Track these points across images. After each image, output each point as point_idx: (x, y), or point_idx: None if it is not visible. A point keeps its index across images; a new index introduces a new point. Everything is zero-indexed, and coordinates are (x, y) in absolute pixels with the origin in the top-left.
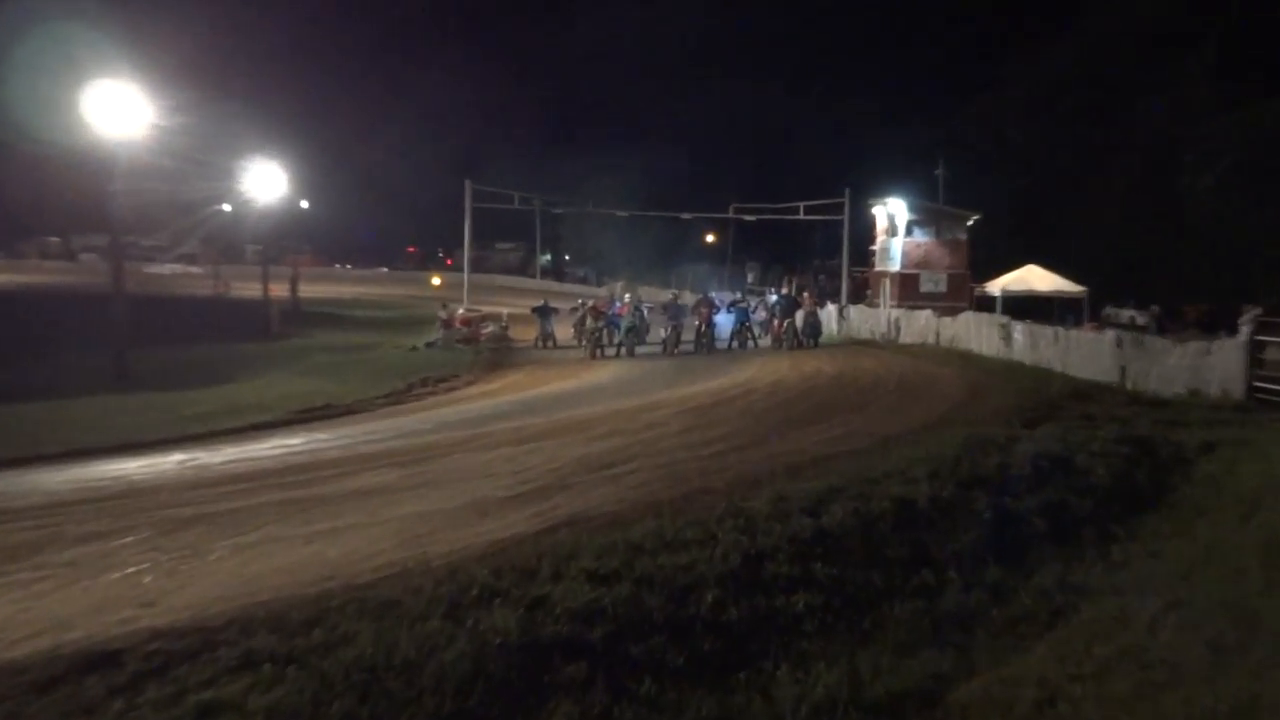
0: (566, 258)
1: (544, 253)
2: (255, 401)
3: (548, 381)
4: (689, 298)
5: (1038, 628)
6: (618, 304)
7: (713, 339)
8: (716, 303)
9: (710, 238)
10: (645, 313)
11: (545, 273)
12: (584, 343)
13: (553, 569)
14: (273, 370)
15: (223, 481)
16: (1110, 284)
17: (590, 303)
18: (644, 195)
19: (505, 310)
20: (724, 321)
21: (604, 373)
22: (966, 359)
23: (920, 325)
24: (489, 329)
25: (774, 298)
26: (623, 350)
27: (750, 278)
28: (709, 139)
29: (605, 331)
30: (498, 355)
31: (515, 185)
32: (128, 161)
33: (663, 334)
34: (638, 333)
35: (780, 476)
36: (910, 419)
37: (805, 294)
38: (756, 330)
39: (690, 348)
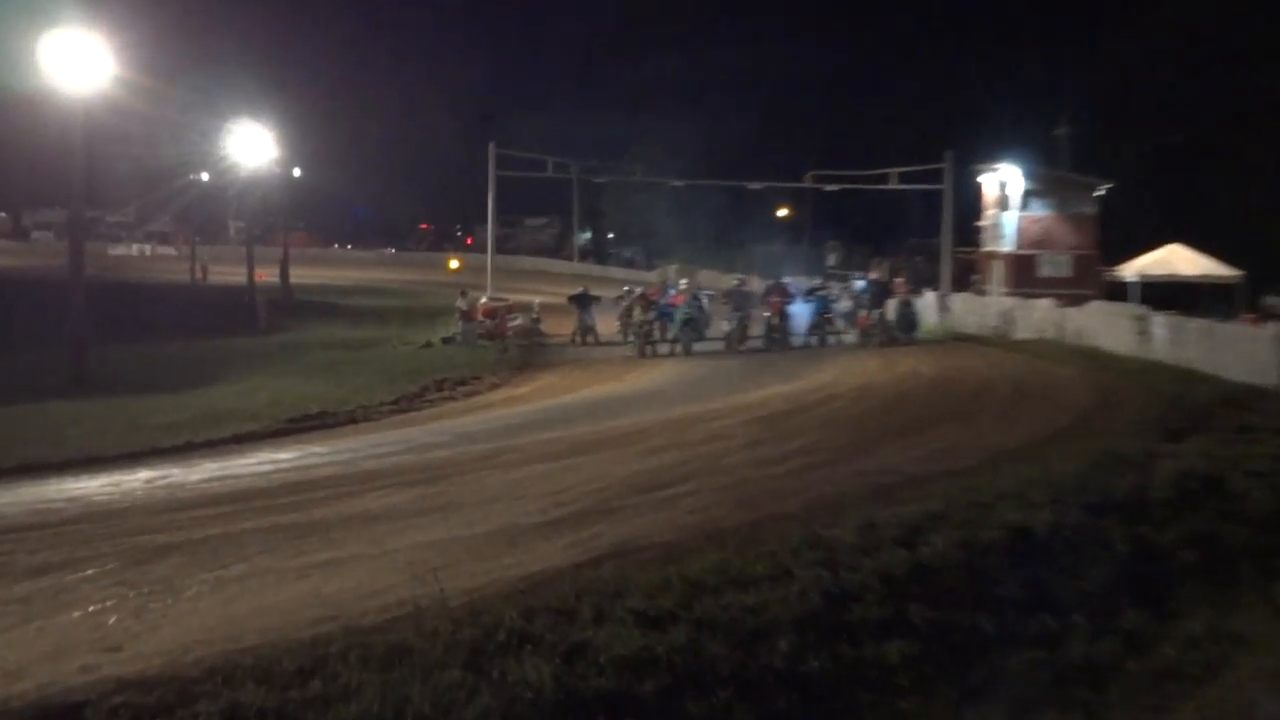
0: (610, 236)
1: (583, 230)
2: (238, 408)
3: (588, 384)
4: (757, 284)
5: (1185, 685)
6: (671, 292)
7: (786, 333)
8: (791, 290)
9: (783, 212)
10: (705, 302)
11: (584, 254)
12: (631, 338)
13: (595, 610)
14: (259, 371)
15: (200, 503)
16: (1271, 268)
17: (638, 290)
18: (702, 161)
19: (536, 299)
20: (800, 313)
21: (655, 374)
22: (1094, 358)
23: (1038, 317)
24: (517, 321)
25: (860, 284)
26: (678, 347)
27: (831, 260)
28: (780, 93)
29: (657, 325)
30: (527, 353)
31: (547, 149)
32: (91, 123)
33: (725, 328)
34: (696, 326)
35: (869, 500)
36: (1026, 431)
37: (898, 280)
38: (839, 323)
39: (759, 344)
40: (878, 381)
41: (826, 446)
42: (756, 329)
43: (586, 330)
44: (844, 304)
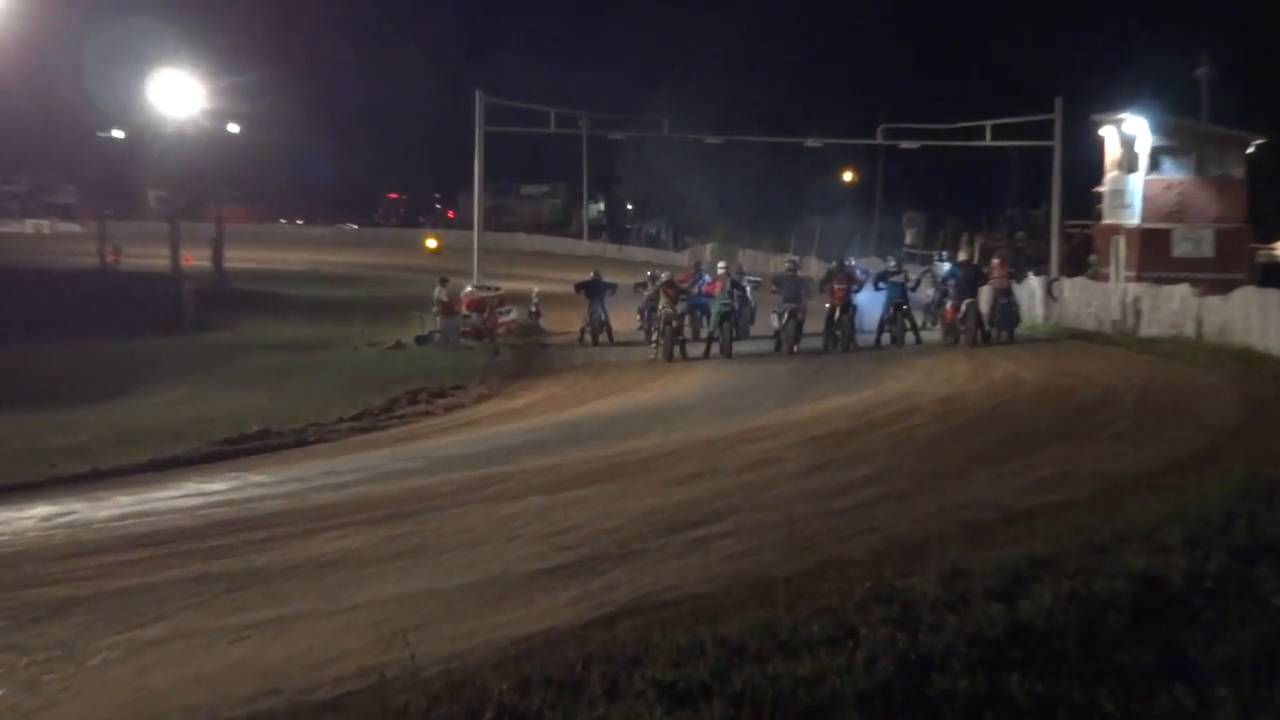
0: (628, 208)
1: (594, 200)
2: (159, 427)
3: (600, 395)
4: (815, 268)
5: None
6: (706, 278)
7: (852, 330)
8: (858, 275)
9: (847, 176)
10: (749, 290)
11: (596, 230)
12: (655, 337)
13: (607, 682)
14: (185, 379)
15: (110, 547)
16: None
17: (665, 276)
18: (743, 113)
19: (536, 287)
20: (869, 303)
21: (686, 382)
22: (1244, 360)
23: (1173, 308)
24: (511, 316)
25: (946, 267)
26: (714, 348)
27: (909, 238)
28: (843, 26)
29: (687, 320)
30: (525, 356)
31: (549, 98)
32: None
33: (775, 324)
34: (737, 321)
35: (955, 541)
36: (1156, 454)
37: (995, 261)
38: (919, 318)
39: (817, 344)
40: (967, 391)
41: (901, 474)
42: (814, 324)
43: (599, 326)
44: (925, 293)
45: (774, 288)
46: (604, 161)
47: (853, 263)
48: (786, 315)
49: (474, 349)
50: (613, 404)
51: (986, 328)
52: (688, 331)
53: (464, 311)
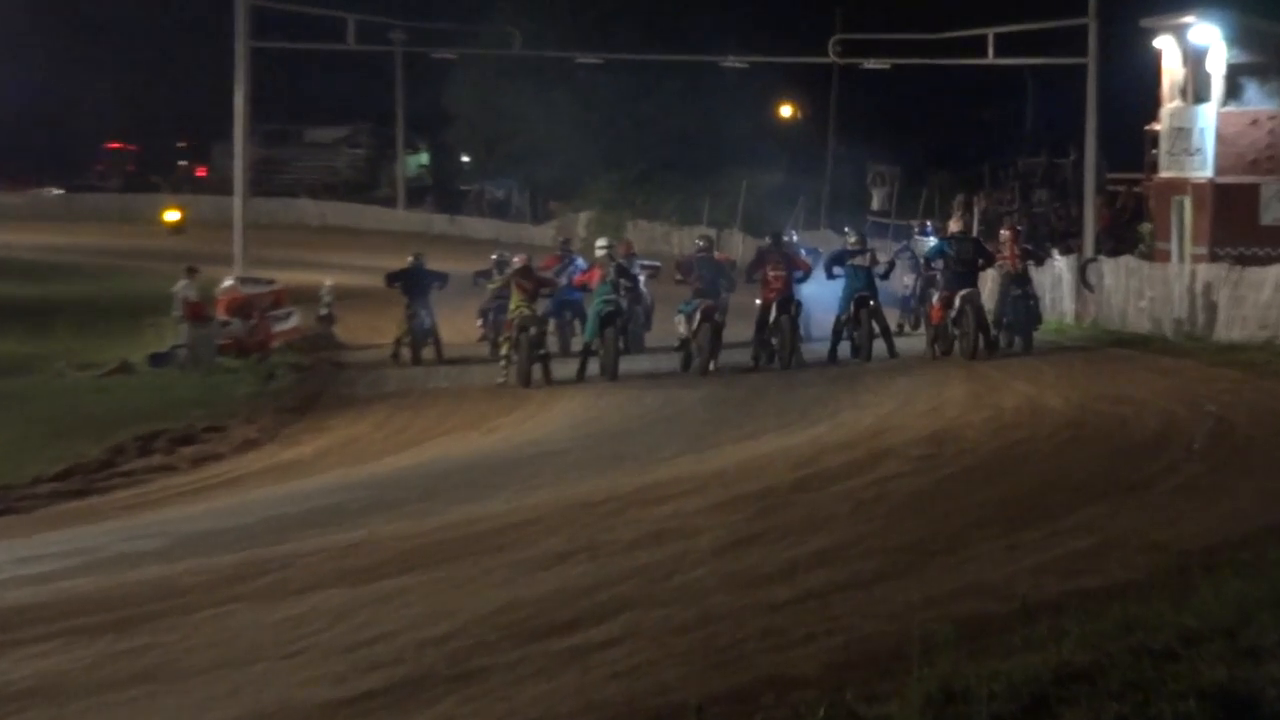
0: (464, 160)
1: (414, 150)
2: None
3: (425, 437)
4: (741, 247)
5: None
6: (579, 263)
7: (796, 337)
8: (803, 257)
9: (786, 111)
10: (642, 281)
11: (418, 194)
12: (505, 351)
13: None
14: None
15: None
16: None
17: (518, 261)
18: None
19: (328, 280)
20: (820, 298)
21: (551, 416)
22: None
23: (1262, 300)
24: (292, 323)
25: (931, 243)
26: (593, 365)
27: (877, 200)
28: None
29: (552, 325)
30: (313, 380)
31: (343, 2)
32: None
33: (681, 329)
34: (626, 326)
35: (948, 647)
36: (1239, 514)
37: (1004, 235)
38: (893, 318)
39: (745, 357)
40: (965, 426)
41: (868, 548)
42: (739, 329)
43: (422, 337)
44: (902, 281)
45: (679, 276)
46: (428, 94)
47: (794, 238)
48: (698, 317)
49: (237, 372)
50: (444, 450)
51: (992, 331)
52: (552, 343)
53: (222, 317)
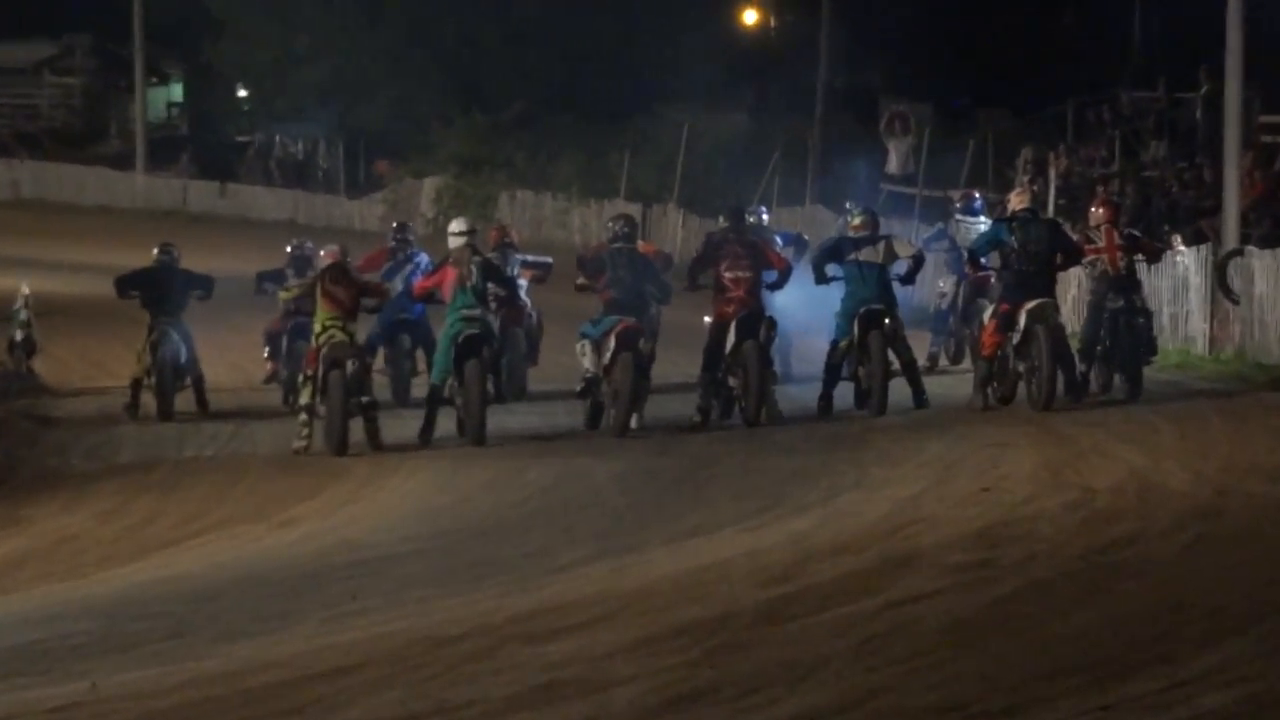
0: (240, 95)
1: (160, 79)
2: None
3: (178, 537)
4: (681, 234)
5: None
6: (422, 259)
7: (766, 376)
8: (777, 247)
9: (750, 17)
10: (524, 289)
11: (168, 147)
12: (307, 401)
13: None
14: None
15: None
16: None
17: (326, 255)
18: None
19: (24, 288)
20: (802, 313)
21: (379, 504)
22: None
23: None
24: None
25: (981, 225)
26: (447, 421)
27: (894, 159)
28: None
29: (379, 360)
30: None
31: None
32: None
33: (585, 363)
34: (497, 359)
35: None
36: None
37: (1096, 213)
38: (929, 348)
39: (687, 407)
40: (1033, 516)
41: (883, 712)
42: (674, 360)
43: (173, 375)
44: (936, 287)
45: (582, 279)
46: None
47: (764, 219)
48: (612, 343)
49: None
50: (210, 556)
51: (1078, 366)
52: (382, 386)
53: None
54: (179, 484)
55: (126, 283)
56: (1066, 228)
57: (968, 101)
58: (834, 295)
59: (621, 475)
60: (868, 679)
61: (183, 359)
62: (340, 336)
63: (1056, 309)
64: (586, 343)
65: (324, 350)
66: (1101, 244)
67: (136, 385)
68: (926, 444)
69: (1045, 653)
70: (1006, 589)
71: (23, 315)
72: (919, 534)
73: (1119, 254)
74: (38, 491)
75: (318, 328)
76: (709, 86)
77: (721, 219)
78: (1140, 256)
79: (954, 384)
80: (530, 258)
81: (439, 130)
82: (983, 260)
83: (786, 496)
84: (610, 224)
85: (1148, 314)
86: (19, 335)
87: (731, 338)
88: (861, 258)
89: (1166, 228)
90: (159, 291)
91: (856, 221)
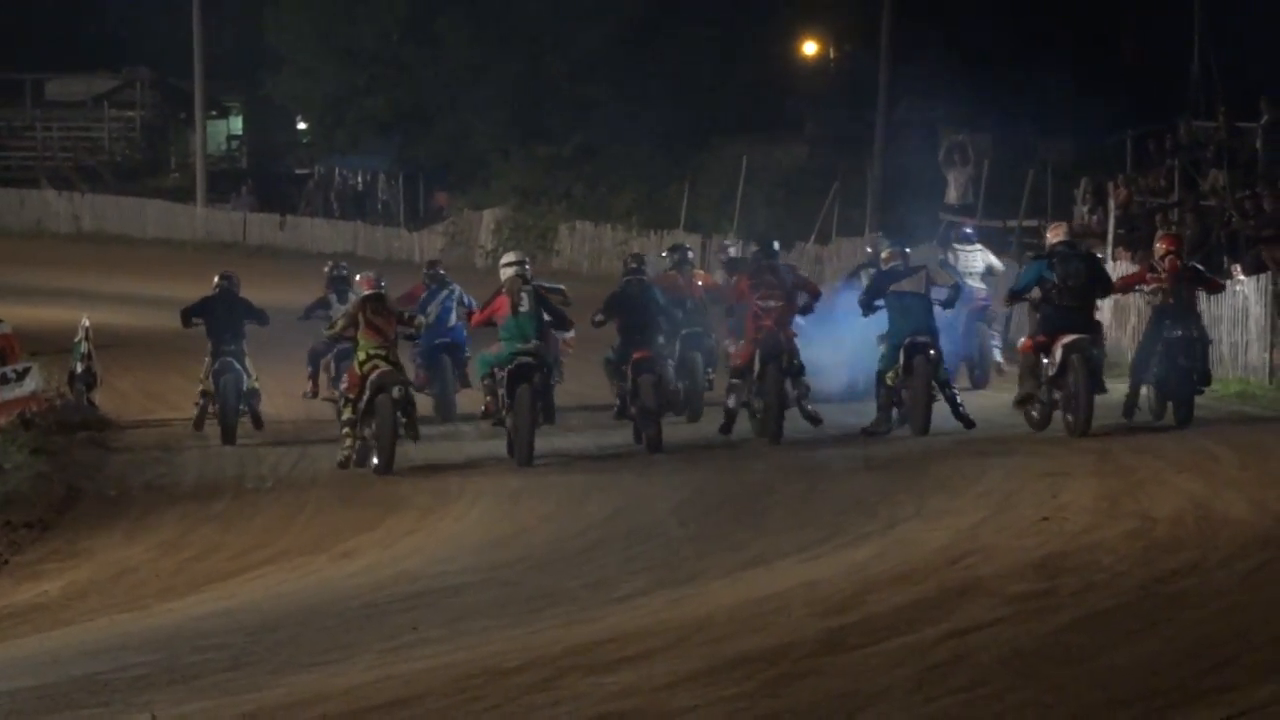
0: (300, 127)
1: (221, 113)
2: None
3: (237, 568)
4: (717, 259)
5: None
6: (453, 293)
7: (782, 403)
8: (795, 284)
9: (810, 48)
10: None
11: (227, 180)
12: (349, 418)
13: None
14: None
15: None
16: None
17: (363, 282)
18: None
19: (85, 319)
20: (829, 339)
21: (438, 535)
22: None
23: None
24: (28, 387)
25: (973, 256)
26: (482, 442)
27: (952, 188)
28: None
29: (420, 375)
30: (62, 478)
31: None
32: None
33: (617, 388)
34: (546, 386)
35: None
36: None
37: (1161, 248)
38: (990, 361)
39: (738, 425)
40: (1093, 545)
41: None
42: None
43: (236, 401)
44: (989, 318)
45: (599, 315)
46: (241, 25)
47: (774, 248)
48: (632, 382)
49: None
50: (268, 588)
51: (1140, 398)
52: (431, 401)
53: None
54: (239, 515)
55: (190, 312)
56: (1101, 259)
57: (1027, 132)
58: (869, 330)
59: (680, 506)
60: (928, 709)
61: (244, 386)
62: (385, 365)
63: (1091, 345)
64: (612, 367)
65: (372, 377)
66: (1164, 274)
67: (202, 411)
68: (985, 473)
69: (1105, 683)
70: (1066, 619)
71: (83, 348)
72: (978, 564)
73: (1180, 285)
74: (98, 523)
75: (361, 356)
76: (768, 118)
77: (752, 251)
78: (1201, 289)
79: (991, 401)
80: (547, 284)
81: (498, 162)
82: (1024, 296)
83: (845, 526)
84: (628, 261)
85: (1205, 344)
86: (79, 367)
87: (757, 364)
88: (905, 287)
89: (1226, 257)
90: (221, 319)
91: (885, 254)
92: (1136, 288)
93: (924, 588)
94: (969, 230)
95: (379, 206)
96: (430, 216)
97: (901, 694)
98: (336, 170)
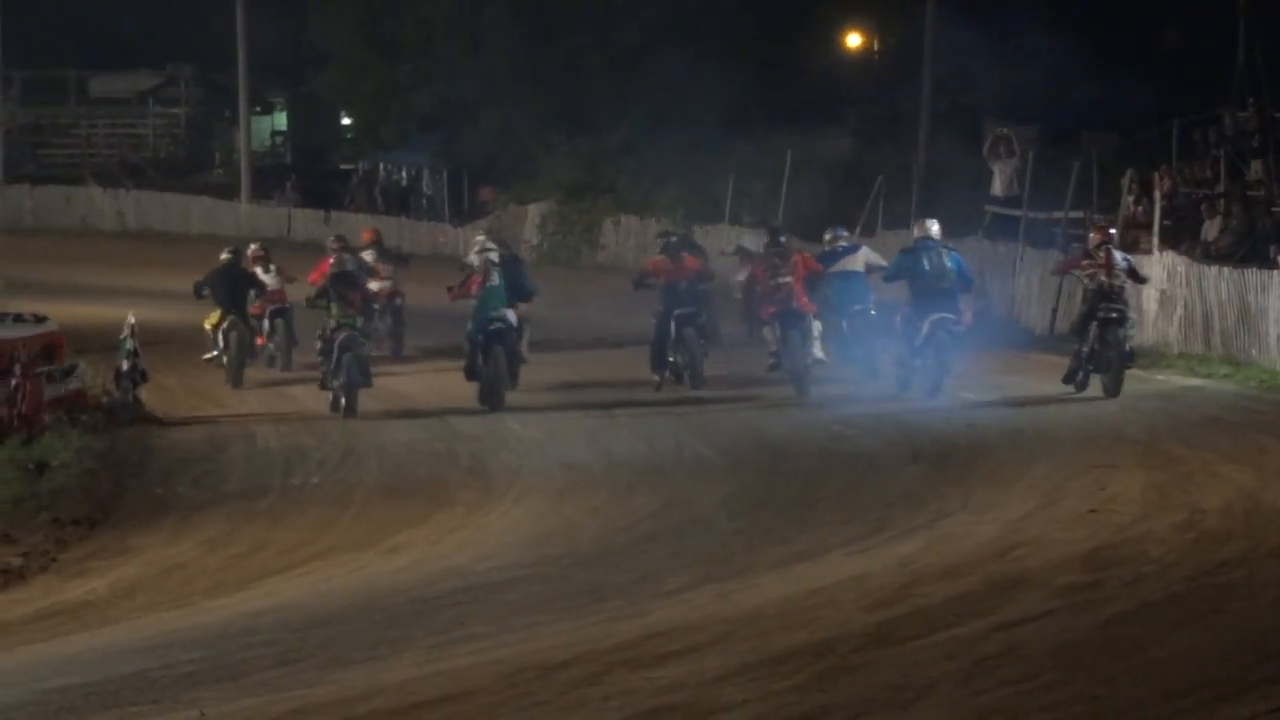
0: (344, 123)
1: (264, 108)
2: None
3: (284, 564)
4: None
5: None
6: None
7: (806, 362)
8: (837, 250)
9: (854, 40)
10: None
11: (271, 175)
12: (322, 362)
13: None
14: None
15: None
16: None
17: (332, 260)
18: None
19: (130, 317)
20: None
21: (485, 530)
22: None
23: None
24: (72, 384)
25: (856, 258)
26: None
27: (998, 181)
28: None
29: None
30: (109, 475)
31: None
32: None
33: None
34: (506, 346)
35: None
36: None
37: (1096, 236)
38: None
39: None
40: (1142, 537)
41: None
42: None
43: (243, 354)
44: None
45: (641, 280)
46: (285, 20)
47: (838, 235)
48: (673, 325)
49: None
50: (315, 584)
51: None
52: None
53: None
54: (286, 512)
55: (201, 284)
56: (1153, 252)
57: (1071, 123)
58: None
59: (728, 500)
60: (977, 701)
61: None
62: (351, 330)
63: (1119, 329)
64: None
65: (340, 338)
66: (1101, 262)
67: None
68: (1032, 466)
69: (1155, 674)
70: (1115, 611)
71: (129, 345)
72: (1027, 556)
73: (1115, 272)
74: (145, 520)
75: (333, 323)
76: (812, 110)
77: (764, 237)
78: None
79: (1061, 410)
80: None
81: (542, 157)
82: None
83: (893, 519)
84: (660, 237)
85: (1128, 324)
86: (126, 365)
87: (779, 329)
88: (844, 267)
89: (1273, 246)
90: (226, 289)
91: (828, 237)
92: (1074, 272)
93: (972, 580)
94: (844, 242)
95: (423, 202)
96: (475, 211)
97: (951, 686)
98: (381, 165)
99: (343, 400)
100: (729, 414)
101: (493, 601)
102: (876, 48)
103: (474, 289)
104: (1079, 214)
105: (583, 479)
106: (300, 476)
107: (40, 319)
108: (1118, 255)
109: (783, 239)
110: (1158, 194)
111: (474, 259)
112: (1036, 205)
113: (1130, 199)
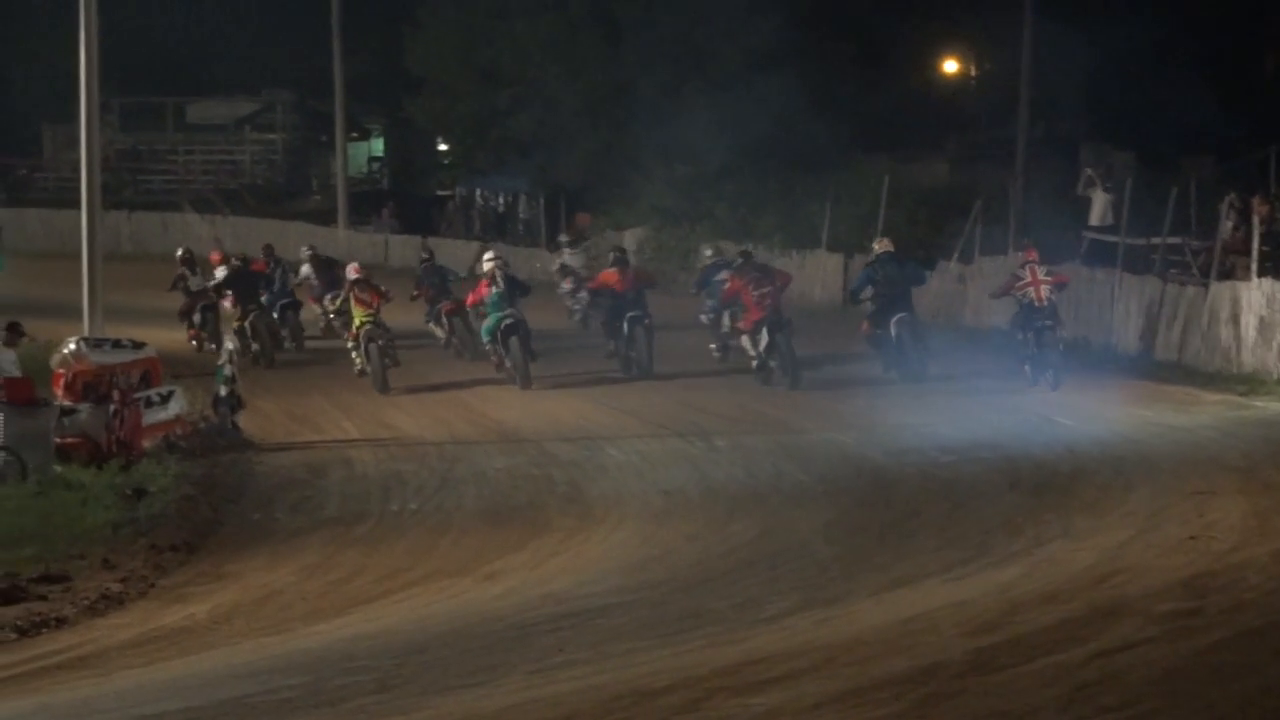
0: (440, 149)
1: (361, 135)
2: None
3: (382, 591)
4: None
5: None
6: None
7: (794, 360)
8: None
9: (950, 66)
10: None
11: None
12: (357, 357)
13: None
14: None
15: None
16: None
17: (354, 272)
18: None
19: (229, 344)
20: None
21: (583, 556)
22: None
23: None
24: (170, 410)
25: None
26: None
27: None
28: None
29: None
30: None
31: None
32: None
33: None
34: (520, 336)
35: None
36: None
37: (1023, 255)
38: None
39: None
40: (1242, 564)
41: None
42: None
43: (268, 338)
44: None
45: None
46: (382, 48)
47: (751, 253)
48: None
49: (86, 487)
50: (414, 611)
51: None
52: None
53: (62, 400)
54: (384, 538)
55: (221, 286)
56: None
57: (1170, 148)
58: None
59: (826, 526)
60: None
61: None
62: (373, 325)
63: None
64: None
65: (365, 329)
66: (1028, 280)
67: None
68: (1131, 492)
69: (1256, 702)
70: (1215, 638)
71: (227, 370)
72: (1126, 583)
73: (1042, 287)
74: (243, 546)
75: (358, 321)
76: (910, 136)
77: (738, 257)
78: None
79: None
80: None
81: (639, 182)
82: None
83: (992, 546)
84: (706, 252)
85: (1058, 330)
86: (224, 390)
87: (765, 335)
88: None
89: None
90: (243, 289)
91: (708, 252)
92: (1011, 293)
93: (1072, 607)
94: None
95: (520, 227)
96: (578, 237)
97: (1051, 714)
98: (477, 191)
99: (380, 382)
100: (827, 440)
101: (591, 627)
102: (974, 73)
103: (484, 292)
104: (1177, 239)
105: (680, 505)
106: (398, 502)
107: (138, 345)
108: (1041, 271)
109: (752, 254)
110: (1256, 219)
111: (485, 267)
112: (1134, 231)
113: (1229, 224)
